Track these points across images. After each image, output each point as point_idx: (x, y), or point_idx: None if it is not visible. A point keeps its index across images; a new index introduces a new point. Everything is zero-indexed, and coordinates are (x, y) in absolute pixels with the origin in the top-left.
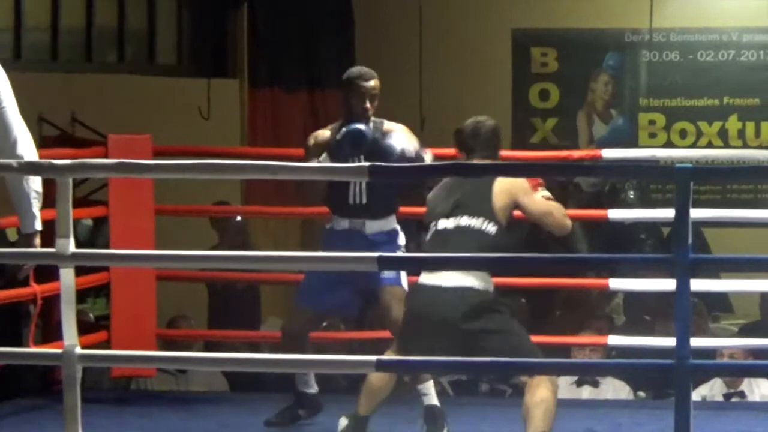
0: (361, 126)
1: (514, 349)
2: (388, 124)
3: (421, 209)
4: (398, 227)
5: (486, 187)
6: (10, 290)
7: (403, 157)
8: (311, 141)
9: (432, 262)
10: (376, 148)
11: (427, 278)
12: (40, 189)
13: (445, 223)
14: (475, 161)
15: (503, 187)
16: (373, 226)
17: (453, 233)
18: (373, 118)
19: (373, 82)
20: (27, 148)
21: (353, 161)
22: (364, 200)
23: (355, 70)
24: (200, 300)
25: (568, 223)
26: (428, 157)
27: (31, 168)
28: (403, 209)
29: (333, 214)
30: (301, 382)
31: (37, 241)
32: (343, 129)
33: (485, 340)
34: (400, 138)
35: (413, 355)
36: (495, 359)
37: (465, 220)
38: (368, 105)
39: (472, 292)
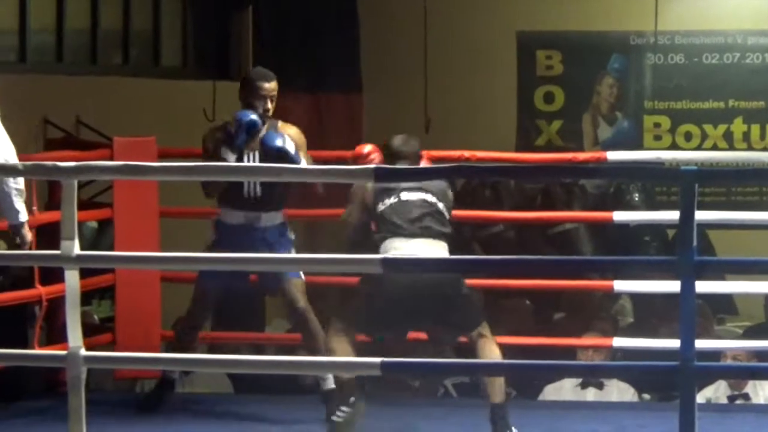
0: (252, 115)
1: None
2: (282, 124)
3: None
4: (286, 221)
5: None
6: (15, 292)
7: (281, 154)
8: (207, 138)
9: (420, 263)
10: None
11: (398, 251)
12: (20, 186)
13: (407, 195)
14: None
15: None
16: (266, 220)
17: (416, 205)
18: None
19: (273, 84)
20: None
21: (248, 150)
22: (259, 193)
23: (258, 71)
24: None
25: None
26: (305, 162)
27: (37, 170)
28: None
29: (227, 206)
30: (324, 381)
31: (26, 230)
32: (238, 117)
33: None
34: (284, 137)
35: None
36: (496, 361)
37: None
38: (268, 106)
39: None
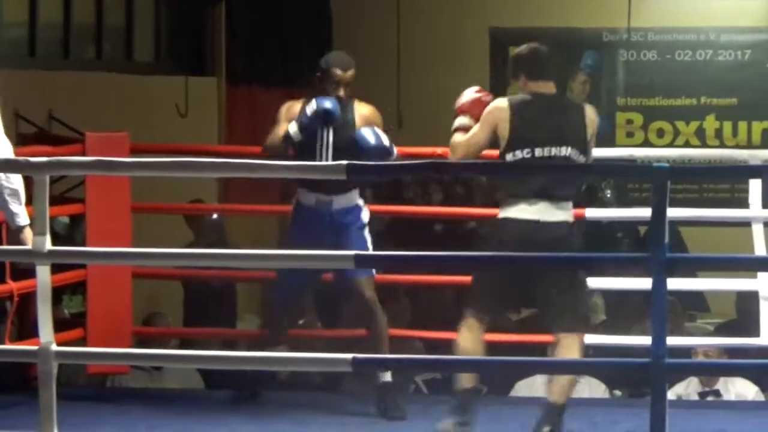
0: (328, 103)
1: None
2: (358, 103)
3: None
4: (361, 202)
5: (579, 117)
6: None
7: (378, 151)
8: (283, 110)
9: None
10: (349, 133)
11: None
12: (14, 186)
13: (540, 152)
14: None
15: (591, 117)
16: (339, 202)
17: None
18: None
19: (350, 72)
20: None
21: (321, 134)
22: None
23: (334, 57)
24: (175, 297)
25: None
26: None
27: (8, 165)
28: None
29: (301, 186)
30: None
31: (25, 235)
32: (314, 103)
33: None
34: (371, 131)
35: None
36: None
37: (564, 150)
38: (341, 93)
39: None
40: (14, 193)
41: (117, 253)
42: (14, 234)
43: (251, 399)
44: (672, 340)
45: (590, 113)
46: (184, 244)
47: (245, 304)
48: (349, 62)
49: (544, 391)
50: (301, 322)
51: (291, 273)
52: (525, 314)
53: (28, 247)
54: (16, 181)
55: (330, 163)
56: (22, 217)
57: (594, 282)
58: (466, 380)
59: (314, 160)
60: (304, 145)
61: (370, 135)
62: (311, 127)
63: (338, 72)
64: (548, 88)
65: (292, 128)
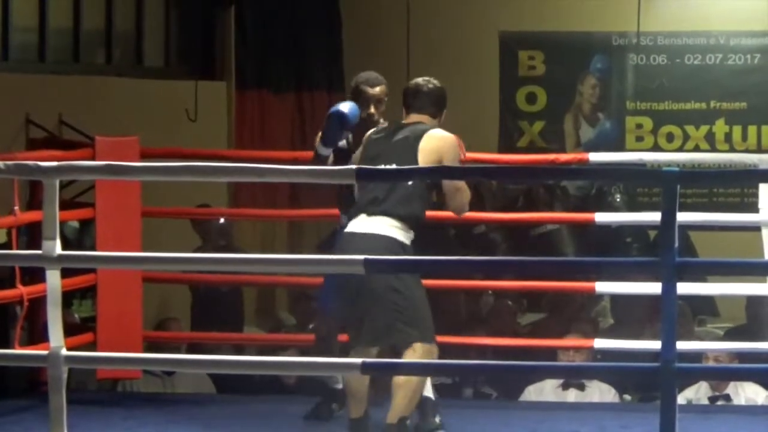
0: (342, 106)
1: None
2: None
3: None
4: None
5: (413, 144)
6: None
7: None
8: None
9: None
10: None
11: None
12: None
13: None
14: (412, 118)
15: (432, 146)
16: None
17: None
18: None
19: (378, 89)
20: None
21: (342, 142)
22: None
23: (364, 75)
24: (188, 302)
25: (467, 207)
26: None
27: (18, 170)
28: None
29: (341, 213)
30: (331, 380)
31: None
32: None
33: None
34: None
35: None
36: (478, 362)
37: None
38: (371, 110)
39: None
40: None
41: (127, 258)
42: None
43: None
44: (682, 345)
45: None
46: (192, 249)
47: (250, 314)
48: (377, 79)
49: (553, 396)
50: (310, 326)
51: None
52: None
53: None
54: None
55: (340, 167)
56: None
57: (604, 287)
58: (354, 411)
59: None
60: (342, 161)
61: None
62: (333, 136)
63: (367, 89)
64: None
65: (319, 146)
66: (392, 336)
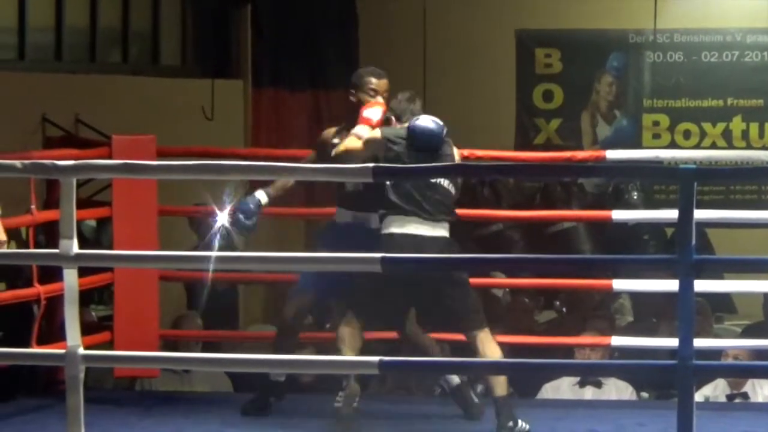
0: (430, 123)
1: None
2: None
3: None
4: None
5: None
6: (14, 290)
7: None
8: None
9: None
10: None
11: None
12: None
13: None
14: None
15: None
16: (376, 221)
17: (426, 187)
18: None
19: (384, 81)
20: None
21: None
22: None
23: (368, 68)
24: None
25: None
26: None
27: (35, 168)
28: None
29: (338, 206)
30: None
31: None
32: (414, 123)
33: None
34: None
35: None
36: (495, 360)
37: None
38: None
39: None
40: None
41: (144, 257)
42: None
43: (275, 403)
44: (699, 342)
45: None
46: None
47: (250, 315)
48: (381, 72)
49: (570, 394)
50: (327, 326)
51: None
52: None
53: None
54: None
55: (356, 165)
56: None
57: (622, 284)
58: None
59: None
60: None
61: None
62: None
63: (373, 80)
64: None
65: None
66: (462, 322)
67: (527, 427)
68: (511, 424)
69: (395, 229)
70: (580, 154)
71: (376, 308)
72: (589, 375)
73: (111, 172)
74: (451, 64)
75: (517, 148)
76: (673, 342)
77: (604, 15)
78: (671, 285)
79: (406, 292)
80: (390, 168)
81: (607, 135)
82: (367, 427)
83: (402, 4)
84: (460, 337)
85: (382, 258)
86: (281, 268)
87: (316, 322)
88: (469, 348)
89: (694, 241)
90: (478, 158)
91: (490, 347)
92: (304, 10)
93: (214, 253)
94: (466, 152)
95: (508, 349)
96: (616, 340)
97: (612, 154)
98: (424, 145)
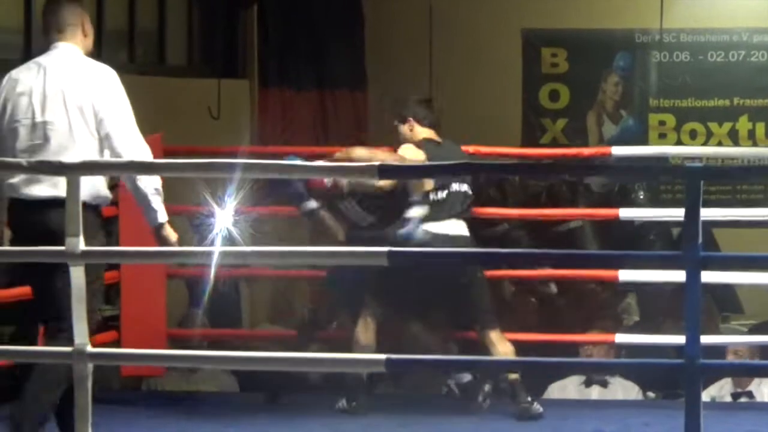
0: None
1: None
2: None
3: None
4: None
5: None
6: (20, 288)
7: None
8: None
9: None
10: None
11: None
12: (158, 185)
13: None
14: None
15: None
16: None
17: (454, 195)
18: None
19: None
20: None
21: None
22: None
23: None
24: None
25: None
26: None
27: (43, 167)
28: None
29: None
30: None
31: (167, 231)
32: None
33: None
34: None
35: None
36: (502, 358)
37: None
38: None
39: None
40: (158, 192)
41: (149, 252)
42: (156, 230)
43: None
44: (706, 339)
45: None
46: None
47: (257, 315)
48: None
49: (576, 393)
50: (333, 324)
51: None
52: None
53: (173, 240)
54: (159, 180)
55: (363, 163)
56: (162, 214)
57: (627, 275)
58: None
59: None
60: None
61: None
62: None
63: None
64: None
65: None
66: (479, 318)
67: (541, 409)
68: (529, 399)
69: (434, 229)
70: (586, 151)
71: (396, 302)
72: (596, 374)
73: (117, 170)
74: (457, 63)
75: (524, 147)
76: (679, 339)
77: (611, 14)
78: (677, 276)
79: (427, 287)
80: (396, 167)
81: (613, 134)
82: (375, 427)
83: (408, 3)
84: (470, 335)
85: (389, 252)
86: (289, 263)
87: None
88: (477, 345)
89: (700, 239)
90: (484, 155)
91: (504, 344)
92: (310, 9)
93: (223, 248)
94: (471, 149)
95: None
96: (621, 338)
97: (618, 151)
98: None
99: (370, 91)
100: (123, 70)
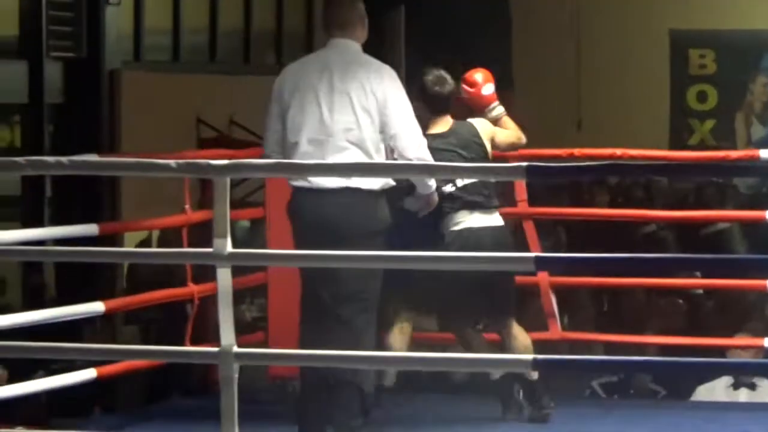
0: None
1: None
2: None
3: None
4: None
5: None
6: (168, 290)
7: None
8: None
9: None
10: None
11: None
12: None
13: None
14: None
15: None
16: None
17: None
18: None
19: None
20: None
21: None
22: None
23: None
24: None
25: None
26: None
27: (190, 168)
28: None
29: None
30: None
31: (433, 198)
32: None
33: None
34: None
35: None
36: (649, 359)
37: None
38: None
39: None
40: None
41: (298, 256)
42: (427, 197)
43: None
44: None
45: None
46: None
47: None
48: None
49: (724, 395)
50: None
51: None
52: None
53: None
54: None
55: (510, 164)
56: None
57: None
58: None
59: None
60: None
61: None
62: None
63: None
64: None
65: None
66: (505, 310)
67: (553, 404)
68: (548, 397)
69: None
70: (734, 154)
71: (431, 294)
72: (741, 374)
73: (264, 172)
74: (604, 64)
75: (671, 148)
76: None
77: (759, 15)
78: None
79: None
80: (543, 167)
81: (761, 135)
82: (389, 425)
83: (555, 5)
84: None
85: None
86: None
87: None
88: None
89: None
90: (631, 158)
91: (523, 335)
92: (456, 9)
93: (373, 253)
94: (619, 151)
95: (657, 349)
96: None
97: (766, 154)
98: None
99: (515, 91)
100: (271, 72)
